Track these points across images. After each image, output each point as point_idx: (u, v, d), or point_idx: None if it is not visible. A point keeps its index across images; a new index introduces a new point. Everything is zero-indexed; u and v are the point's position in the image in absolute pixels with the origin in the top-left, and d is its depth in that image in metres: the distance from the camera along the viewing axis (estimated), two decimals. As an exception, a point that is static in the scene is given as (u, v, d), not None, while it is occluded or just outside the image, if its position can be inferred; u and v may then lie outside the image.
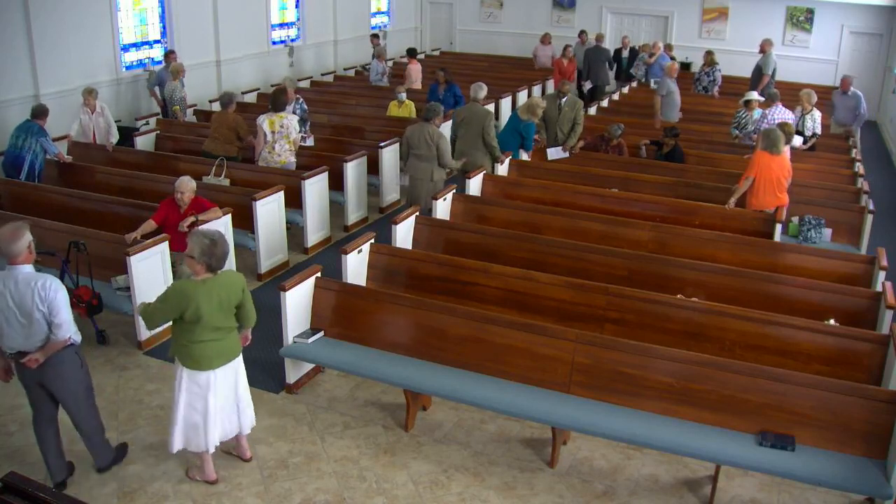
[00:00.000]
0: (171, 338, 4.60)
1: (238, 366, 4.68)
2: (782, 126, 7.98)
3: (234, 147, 8.76)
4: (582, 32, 15.11)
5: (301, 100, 9.58)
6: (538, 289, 5.91)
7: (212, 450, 4.63)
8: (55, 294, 4.22)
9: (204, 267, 4.38)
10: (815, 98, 9.69)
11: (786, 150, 7.99)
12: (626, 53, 14.91)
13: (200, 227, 5.02)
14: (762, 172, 7.35)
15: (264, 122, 8.35)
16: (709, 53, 13.40)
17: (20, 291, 4.19)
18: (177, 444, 4.58)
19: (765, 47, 12.53)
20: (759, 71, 12.58)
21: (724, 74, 14.66)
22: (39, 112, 8.11)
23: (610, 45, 17.06)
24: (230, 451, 4.99)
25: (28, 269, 4.25)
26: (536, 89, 13.98)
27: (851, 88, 10.91)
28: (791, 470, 4.35)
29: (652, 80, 13.97)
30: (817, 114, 9.73)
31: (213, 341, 4.46)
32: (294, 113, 9.13)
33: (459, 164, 8.34)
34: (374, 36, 15.02)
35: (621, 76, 14.92)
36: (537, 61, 15.85)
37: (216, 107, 10.34)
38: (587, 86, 13.97)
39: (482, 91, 8.77)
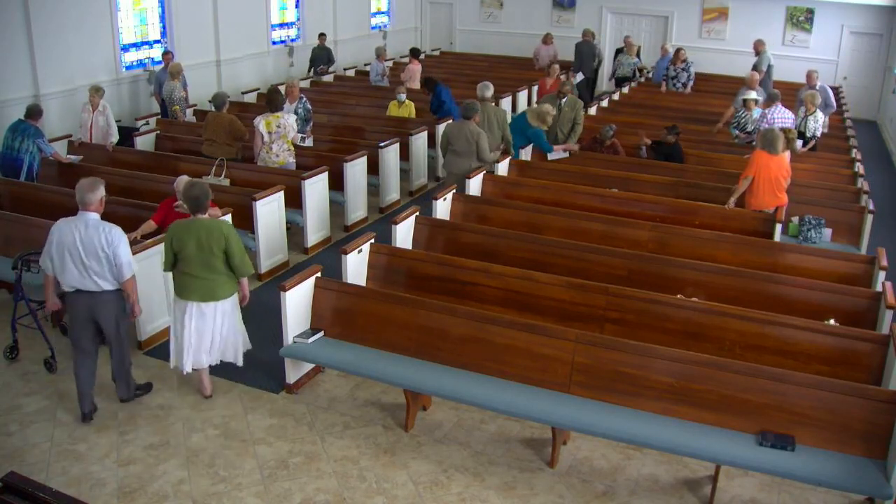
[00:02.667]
0: None
1: (224, 309, 5.36)
2: (785, 132, 7.98)
3: (233, 148, 8.75)
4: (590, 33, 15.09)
5: (304, 99, 9.57)
6: (538, 289, 5.90)
7: (186, 370, 5.36)
8: (119, 241, 4.98)
9: (187, 207, 5.33)
10: (819, 100, 9.73)
11: (786, 153, 7.99)
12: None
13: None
14: (761, 172, 7.35)
15: (261, 122, 8.34)
16: (680, 50, 13.65)
17: (89, 234, 4.92)
18: (172, 362, 5.45)
19: (758, 47, 12.71)
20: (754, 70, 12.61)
21: (725, 74, 14.74)
22: (34, 112, 8.10)
23: (610, 44, 17.09)
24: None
25: (97, 217, 5.02)
26: (536, 89, 13.96)
27: (818, 83, 11.05)
28: (791, 470, 4.35)
29: (663, 84, 13.96)
30: (820, 115, 9.74)
31: (198, 278, 5.22)
32: (296, 112, 9.13)
33: (495, 156, 8.41)
34: (322, 35, 14.80)
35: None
36: (539, 62, 15.81)
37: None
38: (578, 77, 13.97)
39: (489, 90, 8.80)
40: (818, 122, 9.66)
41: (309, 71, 14.71)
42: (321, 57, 14.71)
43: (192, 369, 5.40)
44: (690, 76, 13.50)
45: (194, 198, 5.26)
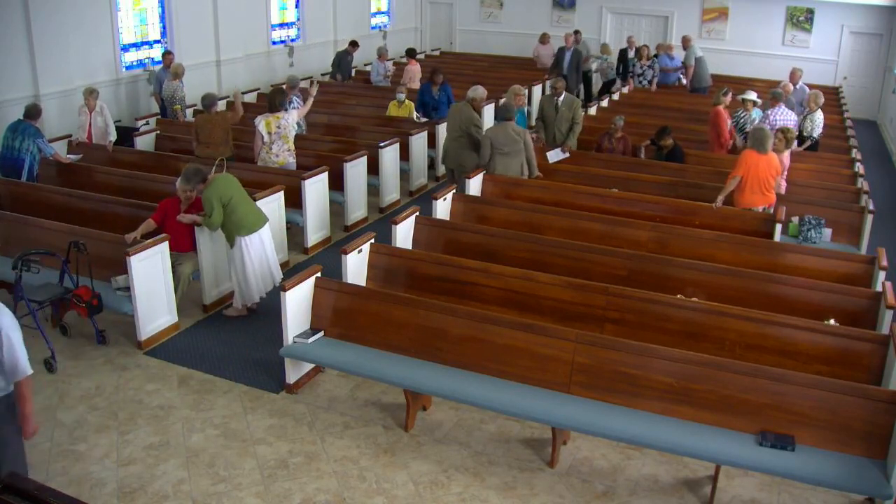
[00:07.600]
0: (224, 231, 6.45)
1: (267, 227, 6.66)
2: (783, 131, 7.97)
3: (228, 148, 8.72)
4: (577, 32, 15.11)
5: (294, 99, 9.61)
6: (538, 289, 5.90)
7: (256, 300, 6.67)
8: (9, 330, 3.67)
9: (201, 182, 6.43)
10: (822, 100, 9.79)
11: (786, 152, 7.99)
12: (631, 54, 14.78)
13: None
14: (749, 171, 7.33)
15: (261, 123, 8.34)
16: (645, 47, 14.04)
17: None
18: (255, 297, 6.61)
19: (685, 43, 13.59)
20: (695, 63, 13.45)
21: (725, 75, 14.74)
22: (34, 112, 8.09)
23: (612, 45, 17.04)
24: None
25: None
26: (536, 89, 13.97)
27: (800, 83, 11.22)
28: (791, 470, 4.35)
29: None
30: (819, 115, 9.75)
31: (252, 210, 6.51)
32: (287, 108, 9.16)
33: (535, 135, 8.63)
34: (354, 43, 14.67)
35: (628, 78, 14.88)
36: (539, 61, 15.78)
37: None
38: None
39: (475, 92, 8.79)
40: (814, 123, 9.67)
41: (333, 76, 14.47)
42: (348, 64, 14.45)
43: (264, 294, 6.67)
44: (656, 73, 13.70)
45: (193, 171, 6.46)
